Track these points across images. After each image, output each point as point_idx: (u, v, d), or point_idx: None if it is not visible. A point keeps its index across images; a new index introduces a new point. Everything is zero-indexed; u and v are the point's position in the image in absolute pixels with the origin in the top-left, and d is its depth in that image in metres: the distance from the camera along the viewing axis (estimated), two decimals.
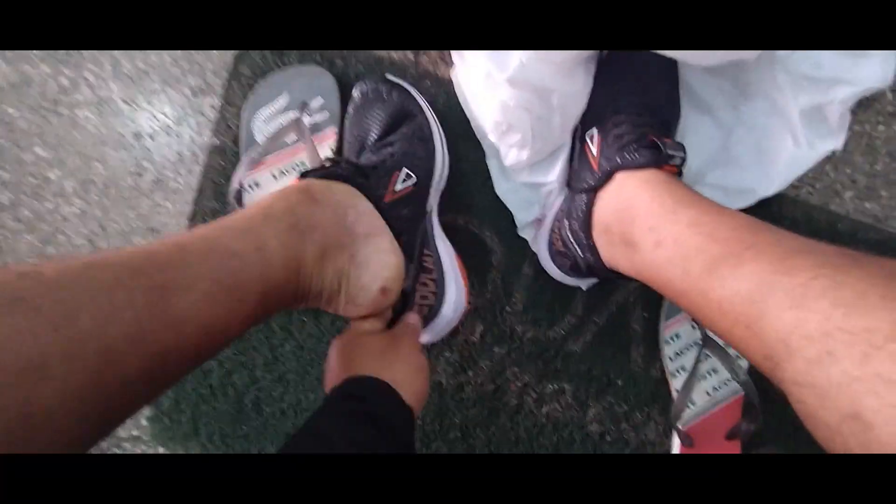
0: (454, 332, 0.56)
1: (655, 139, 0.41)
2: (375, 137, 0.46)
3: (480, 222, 0.56)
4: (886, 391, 0.21)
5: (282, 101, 0.51)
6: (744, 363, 0.55)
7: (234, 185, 0.49)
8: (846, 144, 0.57)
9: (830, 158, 0.57)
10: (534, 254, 0.55)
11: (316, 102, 0.50)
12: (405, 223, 0.42)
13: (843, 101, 0.46)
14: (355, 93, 0.48)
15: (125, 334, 0.24)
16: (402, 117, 0.47)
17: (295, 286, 0.35)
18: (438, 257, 0.46)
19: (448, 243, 0.49)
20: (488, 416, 0.58)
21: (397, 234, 0.40)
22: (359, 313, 0.41)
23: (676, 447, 0.58)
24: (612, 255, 0.42)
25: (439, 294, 0.45)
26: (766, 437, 0.60)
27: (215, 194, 0.55)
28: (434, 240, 0.46)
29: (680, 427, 0.57)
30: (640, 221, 0.38)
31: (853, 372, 0.22)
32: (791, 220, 0.58)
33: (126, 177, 0.55)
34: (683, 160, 0.41)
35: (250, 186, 0.51)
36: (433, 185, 0.47)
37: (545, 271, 0.55)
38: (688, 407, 0.57)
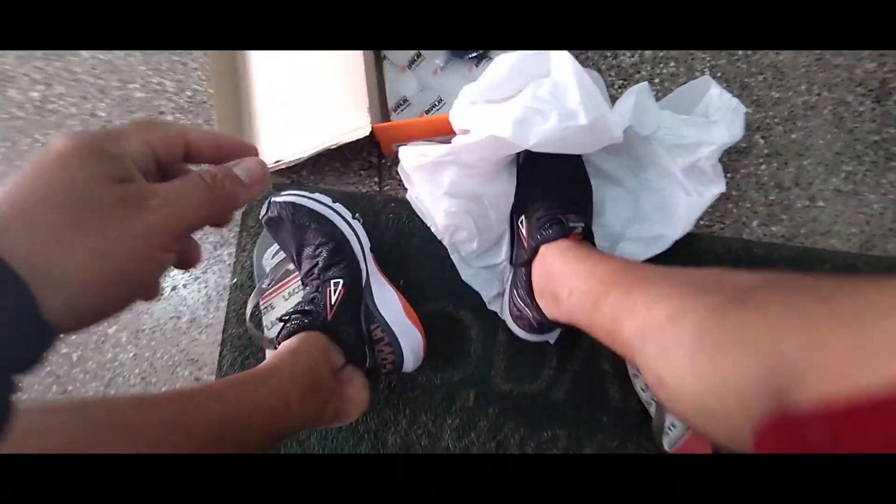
0: (451, 401, 0.66)
1: (561, 217, 0.54)
2: (295, 255, 0.58)
3: (455, 305, 0.67)
4: (668, 358, 0.31)
5: None
6: None
7: (250, 308, 0.62)
8: (739, 185, 0.70)
9: (730, 198, 0.69)
10: (504, 321, 0.66)
11: None
12: (347, 324, 0.54)
13: (708, 156, 0.59)
14: (265, 224, 0.59)
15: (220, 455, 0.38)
16: (302, 229, 0.57)
17: (305, 425, 0.50)
18: (385, 321, 0.56)
19: (390, 292, 0.58)
20: None
21: (346, 343, 0.54)
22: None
23: None
24: (548, 309, 0.54)
25: (397, 352, 0.56)
26: None
27: (239, 322, 0.68)
28: (377, 308, 0.57)
29: (668, 450, 0.64)
30: (558, 280, 0.50)
31: (653, 350, 0.33)
32: (713, 254, 0.69)
33: (167, 321, 0.69)
34: (584, 228, 0.54)
35: (265, 309, 0.63)
36: (359, 260, 0.57)
37: (517, 335, 0.65)
38: (669, 431, 0.65)
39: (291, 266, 0.64)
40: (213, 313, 0.69)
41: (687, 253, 0.68)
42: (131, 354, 0.68)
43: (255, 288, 0.66)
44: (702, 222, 0.69)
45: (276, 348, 0.63)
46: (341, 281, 0.55)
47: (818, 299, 0.26)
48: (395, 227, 0.69)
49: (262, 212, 0.59)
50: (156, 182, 0.25)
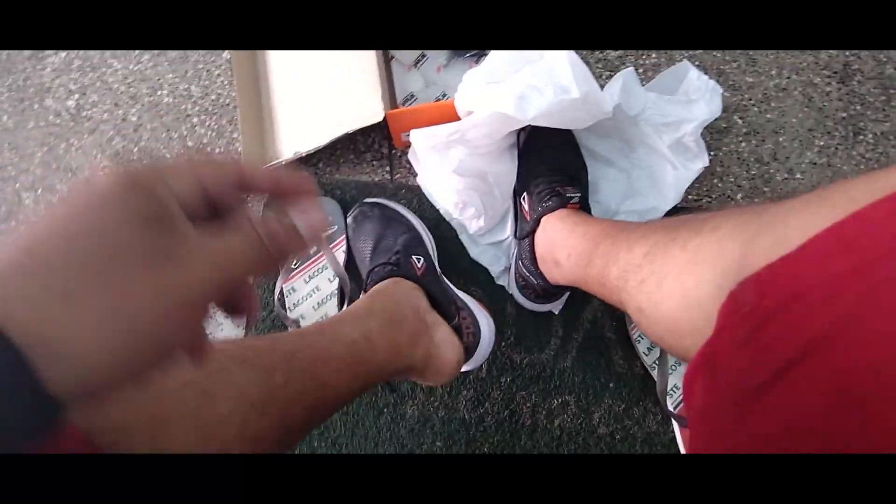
0: (466, 373, 0.69)
1: (560, 189, 0.59)
2: (372, 246, 0.64)
3: (465, 281, 0.72)
4: (641, 286, 0.36)
5: None
6: None
7: (277, 293, 0.66)
8: (722, 161, 0.75)
9: (714, 173, 0.75)
10: (512, 295, 0.71)
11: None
12: (435, 284, 0.59)
13: (691, 132, 0.65)
14: (349, 220, 0.66)
15: (296, 389, 0.40)
16: (387, 222, 0.65)
17: (394, 365, 0.51)
18: (462, 300, 0.61)
19: (463, 292, 0.64)
20: (511, 438, 0.68)
21: (437, 294, 0.57)
22: (440, 382, 0.57)
23: (678, 432, 0.68)
24: (552, 274, 0.58)
25: (475, 322, 0.60)
26: None
27: (263, 305, 0.72)
28: (454, 291, 0.62)
29: (673, 411, 0.67)
30: (558, 245, 0.55)
31: (633, 284, 0.38)
32: None
33: None
34: (580, 198, 0.59)
35: (289, 292, 0.68)
36: (431, 254, 0.64)
37: (524, 308, 0.70)
38: (672, 392, 0.68)
39: (314, 249, 0.68)
40: None
41: None
42: None
43: (277, 272, 0.70)
44: (690, 196, 0.74)
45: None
46: (422, 258, 0.61)
47: (754, 213, 0.31)
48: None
49: (353, 210, 0.67)
50: (202, 219, 0.22)
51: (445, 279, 0.64)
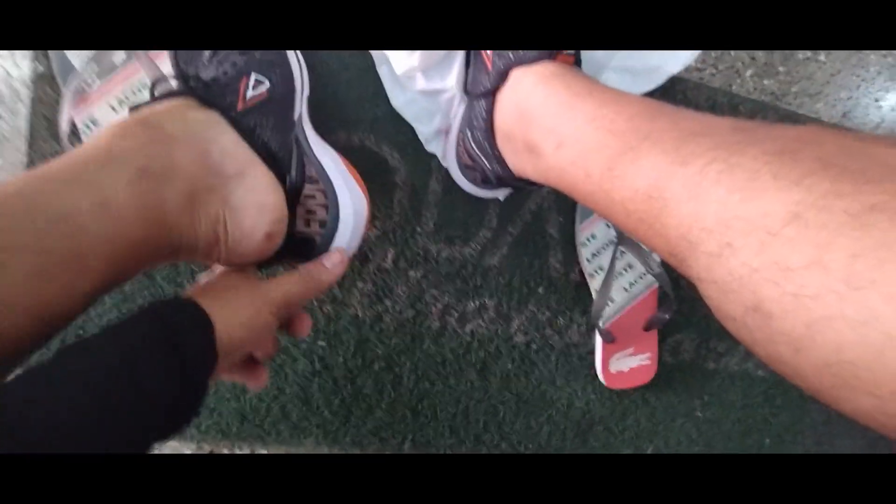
0: (364, 261, 0.52)
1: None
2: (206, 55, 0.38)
3: (378, 139, 0.50)
4: (784, 279, 0.19)
5: None
6: (657, 256, 0.56)
7: (64, 126, 0.40)
8: None
9: None
10: (441, 168, 0.51)
11: None
12: (271, 132, 0.36)
13: None
14: None
15: None
16: None
17: (157, 242, 0.30)
18: (320, 163, 0.39)
19: (328, 147, 0.42)
20: (411, 342, 0.56)
21: (263, 145, 0.35)
22: (244, 262, 0.36)
23: (599, 346, 0.60)
24: (518, 162, 0.39)
25: (331, 199, 0.39)
26: (680, 324, 0.63)
27: (51, 133, 0.45)
28: (311, 147, 0.40)
29: (601, 325, 0.58)
30: (538, 123, 0.35)
31: (752, 262, 0.20)
32: (695, 105, 0.57)
33: None
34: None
35: (87, 126, 0.41)
36: (296, 90, 0.39)
37: (454, 186, 0.51)
38: (607, 305, 0.58)
39: (119, 56, 0.40)
40: (9, 119, 0.45)
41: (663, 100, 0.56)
42: None
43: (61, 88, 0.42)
44: (692, 63, 0.55)
45: None
46: (267, 83, 0.36)
47: None
48: None
49: None
50: None
51: (307, 129, 0.41)
